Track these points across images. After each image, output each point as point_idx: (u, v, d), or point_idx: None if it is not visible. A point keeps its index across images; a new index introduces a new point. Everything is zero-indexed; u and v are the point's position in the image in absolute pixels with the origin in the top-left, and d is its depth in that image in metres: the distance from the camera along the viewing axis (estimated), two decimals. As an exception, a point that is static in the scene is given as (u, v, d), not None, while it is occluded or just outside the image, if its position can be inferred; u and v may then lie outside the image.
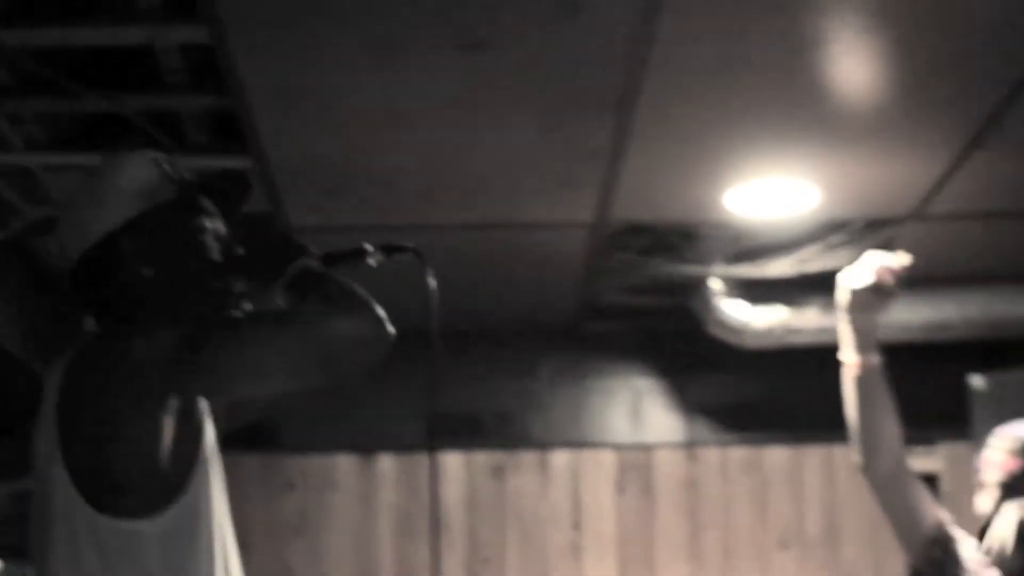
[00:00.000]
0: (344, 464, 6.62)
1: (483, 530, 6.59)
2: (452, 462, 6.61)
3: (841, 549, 6.52)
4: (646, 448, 6.66)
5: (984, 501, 3.43)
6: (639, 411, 6.70)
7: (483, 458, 6.64)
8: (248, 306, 2.64)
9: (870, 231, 5.54)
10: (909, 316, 5.79)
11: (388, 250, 2.66)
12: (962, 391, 5.83)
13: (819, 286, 5.71)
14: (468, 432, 6.62)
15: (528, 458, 6.64)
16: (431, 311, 2.63)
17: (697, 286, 6.01)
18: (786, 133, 4.71)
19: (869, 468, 3.42)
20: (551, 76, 4.24)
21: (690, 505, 6.61)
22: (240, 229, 2.66)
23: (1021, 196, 5.27)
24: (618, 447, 6.66)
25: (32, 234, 4.68)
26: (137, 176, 2.63)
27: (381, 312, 2.51)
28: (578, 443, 6.67)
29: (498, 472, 6.63)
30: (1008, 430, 3.47)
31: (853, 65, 4.25)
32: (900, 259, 3.39)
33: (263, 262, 2.62)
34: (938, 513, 3.45)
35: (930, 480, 6.11)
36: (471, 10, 3.87)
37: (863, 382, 3.39)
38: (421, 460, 6.56)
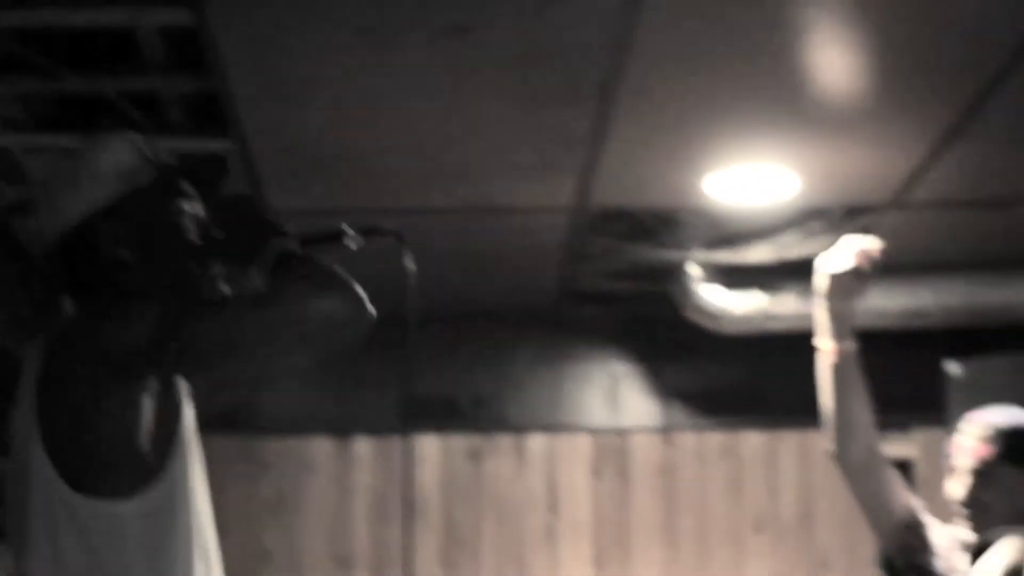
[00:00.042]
0: (320, 446, 6.62)
1: (459, 513, 6.60)
2: (428, 445, 6.61)
3: (816, 533, 6.55)
4: (622, 433, 6.67)
5: (955, 487, 3.44)
6: (616, 396, 6.71)
7: (460, 441, 6.64)
8: (227, 288, 2.64)
9: (849, 218, 5.55)
10: (886, 303, 5.81)
11: (367, 233, 2.66)
12: (938, 378, 5.86)
13: (797, 273, 5.72)
14: (445, 415, 6.63)
15: (504, 442, 6.65)
16: (409, 294, 2.63)
17: (675, 272, 6.01)
18: (766, 120, 4.72)
19: (842, 455, 3.44)
20: (533, 62, 4.24)
21: (666, 489, 6.63)
22: (219, 211, 2.66)
23: (999, 185, 5.29)
24: (594, 431, 6.68)
25: (10, 216, 4.67)
26: (116, 159, 2.63)
27: (361, 292, 2.52)
28: (555, 427, 6.68)
29: (474, 455, 6.64)
30: (980, 416, 3.48)
31: (833, 53, 4.26)
32: (875, 243, 3.41)
33: (242, 244, 2.61)
34: (909, 499, 3.46)
35: (905, 466, 6.14)
36: (454, -5, 3.88)
37: (838, 369, 3.41)
38: (397, 443, 6.57)
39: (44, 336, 2.58)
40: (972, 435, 3.43)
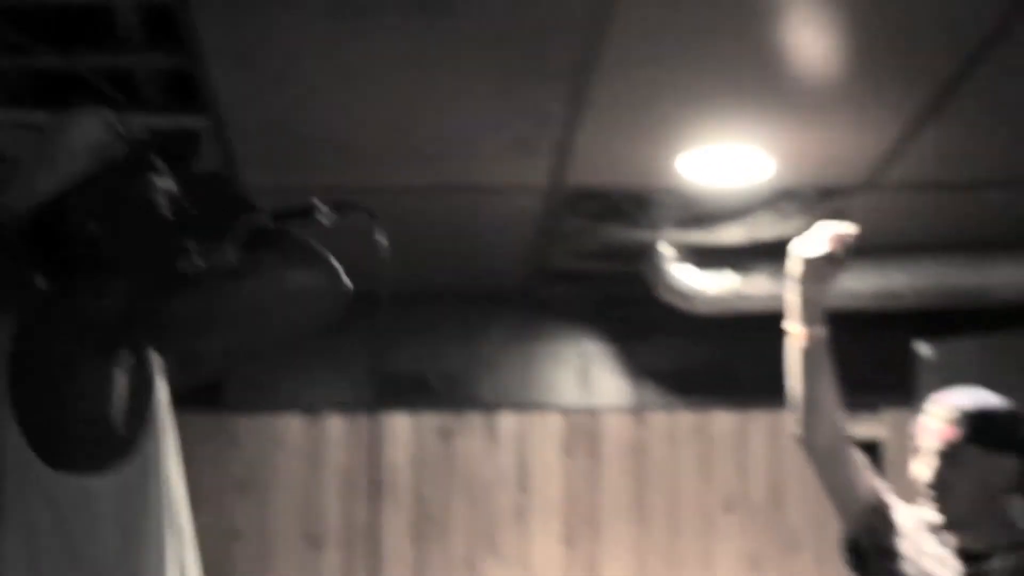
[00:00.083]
0: (290, 424, 6.62)
1: (429, 491, 6.60)
2: (399, 423, 6.61)
3: (785, 513, 6.58)
4: (593, 412, 6.68)
5: (922, 469, 3.45)
6: (587, 375, 6.72)
7: (431, 420, 6.64)
8: (200, 263, 2.64)
9: (822, 200, 5.57)
10: (858, 284, 5.83)
11: (339, 208, 2.66)
12: (908, 359, 5.88)
13: (770, 253, 5.74)
14: (416, 393, 6.63)
15: (476, 420, 6.66)
16: (381, 270, 2.63)
17: (648, 252, 6.02)
18: (740, 100, 4.73)
19: (807, 439, 3.45)
20: (508, 40, 4.23)
21: (636, 469, 6.65)
22: (191, 187, 2.65)
23: (972, 167, 5.31)
24: (566, 410, 6.69)
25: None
26: (87, 134, 2.62)
27: (337, 264, 2.52)
28: (526, 406, 6.69)
29: (445, 433, 6.64)
30: (947, 398, 3.48)
31: (808, 34, 4.27)
32: (850, 229, 3.41)
33: (214, 219, 2.62)
34: (874, 481, 3.48)
35: (874, 447, 6.17)
36: (431, -27, 3.87)
37: (808, 354, 3.42)
38: (368, 420, 6.57)
39: (16, 312, 2.57)
40: (938, 417, 3.44)
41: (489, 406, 6.68)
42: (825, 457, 3.45)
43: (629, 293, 6.36)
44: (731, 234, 5.90)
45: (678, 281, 6.02)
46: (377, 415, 6.59)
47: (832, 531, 3.56)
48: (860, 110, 4.81)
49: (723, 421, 6.67)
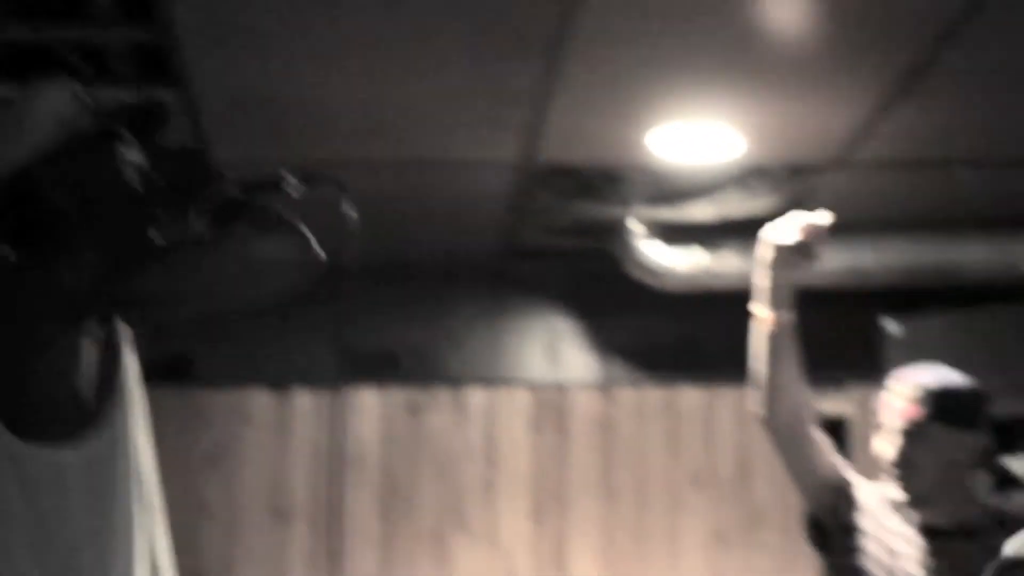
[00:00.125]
0: (259, 398, 6.61)
1: (397, 466, 6.60)
2: (368, 398, 6.61)
3: (752, 488, 6.60)
4: (562, 387, 6.70)
5: (885, 447, 3.47)
6: (556, 351, 6.74)
7: (399, 395, 6.65)
8: (169, 234, 2.64)
9: (792, 178, 5.58)
10: (827, 261, 5.83)
11: (308, 180, 2.66)
12: (875, 335, 5.90)
13: (740, 231, 5.76)
14: (384, 368, 6.63)
15: (444, 395, 6.66)
16: (348, 241, 2.63)
17: (618, 228, 6.03)
18: (711, 77, 4.73)
19: (769, 419, 3.46)
20: (481, 16, 4.22)
21: (604, 444, 6.66)
22: (158, 159, 2.65)
23: (942, 146, 5.32)
24: (534, 386, 6.70)
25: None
26: (53, 105, 2.61)
27: (308, 234, 2.52)
28: (494, 381, 6.69)
29: (414, 408, 6.65)
30: (910, 376, 3.49)
31: (779, 12, 4.27)
32: (823, 218, 3.41)
33: (182, 191, 2.62)
34: (834, 459, 3.49)
35: (840, 423, 6.21)
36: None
37: (773, 338, 3.42)
38: (337, 395, 6.57)
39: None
40: (902, 395, 3.45)
41: (457, 381, 6.68)
42: (786, 437, 3.47)
43: (598, 269, 6.37)
44: (701, 211, 5.91)
45: (647, 258, 6.03)
46: (345, 390, 6.59)
47: (798, 506, 3.58)
48: (831, 88, 4.82)
49: (691, 397, 6.69)
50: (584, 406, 6.68)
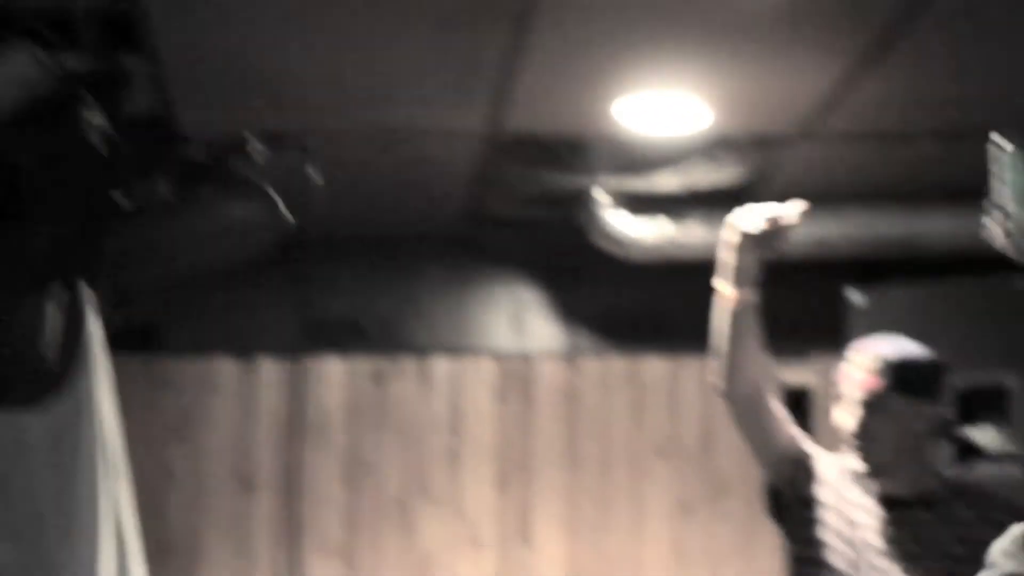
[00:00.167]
0: (224, 367, 6.60)
1: (362, 435, 6.61)
2: (332, 367, 6.61)
3: (716, 458, 6.63)
4: (527, 357, 6.71)
5: (845, 418, 3.49)
6: (521, 320, 6.74)
7: (363, 363, 6.65)
8: (134, 197, 2.63)
9: (758, 149, 5.59)
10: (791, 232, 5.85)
11: (271, 142, 2.65)
12: (839, 306, 5.92)
13: (705, 202, 5.76)
14: (349, 337, 6.63)
15: (408, 364, 6.67)
16: (312, 204, 2.62)
17: (583, 198, 6.03)
18: (677, 46, 4.73)
19: (729, 392, 3.48)
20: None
21: (569, 414, 6.68)
22: (121, 124, 2.64)
23: (908, 118, 5.33)
24: (499, 355, 6.71)
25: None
26: (15, 69, 2.60)
27: (275, 196, 2.51)
28: (459, 350, 6.70)
29: (378, 377, 6.65)
30: (870, 347, 3.51)
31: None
32: (795, 208, 3.41)
33: (146, 155, 2.61)
34: (792, 431, 3.52)
35: (803, 394, 6.23)
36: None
37: (736, 315, 3.43)
38: (302, 364, 6.57)
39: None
40: (862, 367, 3.47)
41: (422, 350, 6.69)
42: (745, 409, 3.49)
43: (564, 239, 6.37)
44: (666, 182, 5.91)
45: (613, 228, 6.04)
46: (310, 359, 6.58)
47: (760, 475, 3.60)
48: (797, 59, 4.82)
49: (655, 367, 6.71)
50: (549, 376, 6.70)
